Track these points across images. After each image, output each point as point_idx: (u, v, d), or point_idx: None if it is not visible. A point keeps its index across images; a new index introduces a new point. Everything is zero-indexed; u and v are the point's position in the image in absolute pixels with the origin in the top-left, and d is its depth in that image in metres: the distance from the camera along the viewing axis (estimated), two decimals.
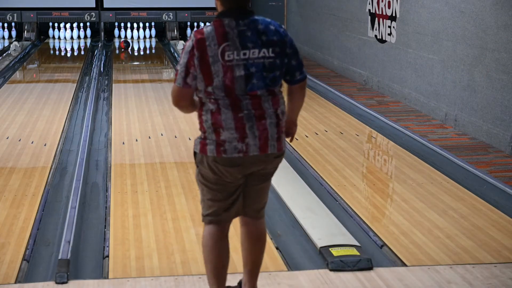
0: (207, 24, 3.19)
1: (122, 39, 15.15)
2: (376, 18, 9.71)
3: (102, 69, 11.71)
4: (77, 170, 5.73)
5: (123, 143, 6.71)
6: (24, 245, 4.27)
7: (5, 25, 15.42)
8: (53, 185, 5.49)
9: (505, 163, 6.21)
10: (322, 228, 4.54)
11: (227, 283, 3.43)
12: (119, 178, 5.61)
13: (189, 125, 7.22)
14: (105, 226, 4.64)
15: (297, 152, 6.35)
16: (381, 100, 9.09)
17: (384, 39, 9.48)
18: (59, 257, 4.01)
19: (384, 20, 9.42)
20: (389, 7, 9.25)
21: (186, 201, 5.07)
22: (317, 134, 7.12)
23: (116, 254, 4.15)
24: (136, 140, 6.82)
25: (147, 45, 15.14)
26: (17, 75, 11.39)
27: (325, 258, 4.05)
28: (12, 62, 12.21)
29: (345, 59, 11.05)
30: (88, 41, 15.37)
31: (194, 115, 3.40)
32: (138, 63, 13.21)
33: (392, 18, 9.15)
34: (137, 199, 5.14)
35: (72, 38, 15.50)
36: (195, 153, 3.26)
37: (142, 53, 14.40)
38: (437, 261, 4.09)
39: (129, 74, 11.39)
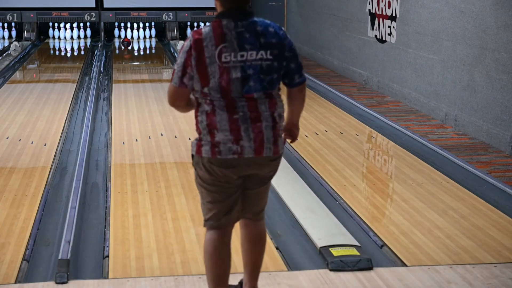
0: (206, 24, 3.18)
1: (124, 38, 15.20)
2: (376, 18, 9.71)
3: (102, 69, 11.71)
4: (77, 170, 5.73)
5: (123, 143, 6.71)
6: (24, 245, 4.27)
7: (5, 25, 15.42)
8: (53, 185, 5.49)
9: (505, 163, 6.21)
10: (322, 228, 4.54)
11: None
12: (119, 178, 5.61)
13: (189, 125, 7.22)
14: (105, 226, 4.64)
15: (297, 152, 6.35)
16: (381, 100, 9.09)
17: (384, 39, 9.48)
18: (59, 257, 4.01)
19: (384, 20, 9.42)
20: (389, 7, 9.25)
21: (186, 201, 5.07)
22: (317, 134, 7.12)
23: (116, 254, 4.15)
24: (136, 140, 6.82)
25: (147, 45, 15.14)
26: (17, 75, 11.39)
27: (325, 258, 4.05)
28: (12, 62, 12.21)
29: (345, 59, 11.05)
30: (88, 41, 15.37)
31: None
32: (138, 63, 13.22)
33: (392, 18, 9.15)
34: (137, 199, 5.14)
35: (72, 38, 15.51)
36: (192, 155, 3.25)
37: (142, 53, 14.40)
38: (437, 261, 4.09)
39: (129, 74, 11.39)
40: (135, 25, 15.66)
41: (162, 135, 7.00)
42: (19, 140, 6.80)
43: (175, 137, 6.93)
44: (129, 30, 15.66)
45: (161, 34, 15.71)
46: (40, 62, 13.02)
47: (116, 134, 7.02)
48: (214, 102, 3.13)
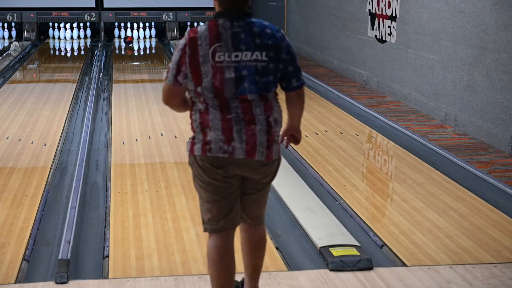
0: (203, 23, 3.15)
1: (125, 37, 15.24)
2: (376, 18, 9.71)
3: (102, 69, 11.71)
4: (77, 170, 5.73)
5: (123, 143, 6.71)
6: (24, 245, 4.27)
7: (5, 25, 15.42)
8: (53, 185, 5.49)
9: (505, 163, 6.21)
10: (322, 228, 4.54)
11: None
12: (119, 178, 5.61)
13: (189, 125, 7.19)
14: (105, 226, 4.64)
15: (297, 152, 6.35)
16: (381, 100, 9.09)
17: (384, 39, 9.48)
18: (59, 257, 4.01)
19: (384, 20, 9.42)
20: (389, 7, 9.25)
21: (186, 201, 5.07)
22: (317, 134, 7.12)
23: (116, 254, 4.15)
24: (136, 140, 6.82)
25: (147, 45, 15.14)
26: (17, 75, 11.39)
27: (325, 258, 4.05)
28: (12, 62, 12.21)
29: (345, 59, 11.05)
30: (88, 41, 15.37)
31: None
32: (138, 63, 13.22)
33: (392, 18, 9.15)
34: (137, 199, 5.14)
35: (72, 38, 15.51)
36: (188, 154, 3.23)
37: (142, 53, 14.40)
38: (437, 261, 4.09)
39: (129, 74, 11.39)
40: (135, 25, 15.66)
41: (162, 135, 7.00)
42: (19, 140, 6.80)
43: (175, 137, 6.93)
44: (129, 30, 15.66)
45: (161, 34, 15.71)
46: (40, 62, 13.02)
47: (116, 134, 7.02)
48: (207, 101, 3.10)
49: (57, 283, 3.76)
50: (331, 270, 3.94)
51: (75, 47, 14.83)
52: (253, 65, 3.08)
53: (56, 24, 15.57)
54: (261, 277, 3.63)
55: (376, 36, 9.75)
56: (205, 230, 3.27)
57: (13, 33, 15.48)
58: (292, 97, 3.24)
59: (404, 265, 4.06)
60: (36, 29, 15.39)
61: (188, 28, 17.07)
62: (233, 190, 3.20)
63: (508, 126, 6.50)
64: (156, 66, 12.81)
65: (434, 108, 7.98)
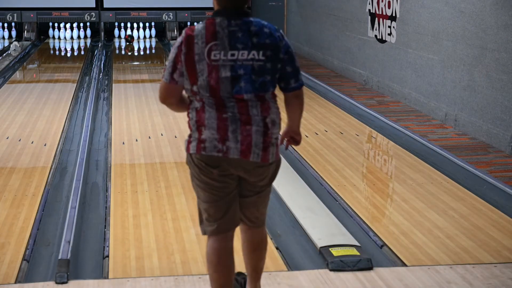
0: (200, 22, 3.13)
1: (128, 34, 15.27)
2: (376, 18, 9.71)
3: (102, 69, 11.71)
4: (77, 170, 5.73)
5: (123, 143, 6.71)
6: (24, 245, 4.27)
7: (5, 25, 15.42)
8: (53, 185, 5.49)
9: (505, 163, 6.21)
10: (322, 228, 4.54)
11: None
12: (119, 178, 5.61)
13: None
14: (105, 226, 4.64)
15: (297, 152, 6.35)
16: (381, 100, 9.09)
17: (384, 39, 9.48)
18: (59, 257, 4.01)
19: (384, 20, 9.42)
20: (389, 7, 9.25)
21: (186, 201, 5.07)
22: (317, 134, 7.12)
23: (116, 254, 4.15)
24: (136, 140, 6.82)
25: (147, 45, 15.14)
26: (17, 75, 11.39)
27: (325, 258, 4.05)
28: (12, 62, 12.21)
29: (345, 59, 11.05)
30: (88, 41, 15.37)
31: None
32: (138, 63, 13.22)
33: (392, 18, 9.15)
34: (137, 199, 5.14)
35: (72, 38, 15.51)
36: (186, 153, 3.22)
37: (142, 53, 14.40)
38: (437, 261, 4.09)
39: (129, 74, 11.40)
40: (135, 25, 15.66)
41: (162, 135, 7.01)
42: (19, 140, 6.80)
43: (175, 137, 6.93)
44: (129, 30, 15.66)
45: (161, 34, 15.71)
46: (40, 62, 13.01)
47: (116, 134, 7.02)
48: (204, 100, 3.08)
49: (57, 283, 3.76)
50: (331, 270, 3.94)
51: (75, 47, 14.83)
52: (249, 64, 3.04)
53: (56, 24, 15.57)
54: (261, 277, 3.63)
55: (376, 36, 9.75)
56: (204, 233, 3.25)
57: (13, 33, 15.47)
58: (291, 98, 3.19)
59: (404, 265, 4.06)
60: (36, 29, 15.40)
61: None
62: (230, 190, 3.17)
63: (508, 126, 6.50)
64: (156, 66, 12.81)
65: (434, 108, 7.98)
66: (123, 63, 12.70)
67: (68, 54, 14.12)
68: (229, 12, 3.07)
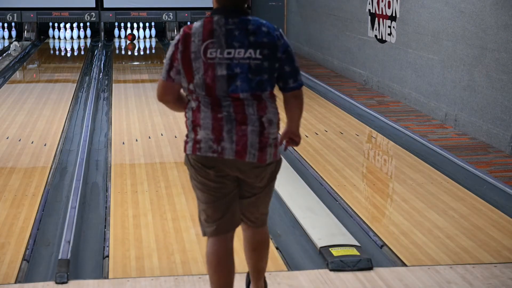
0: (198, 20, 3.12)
1: (129, 33, 15.27)
2: (376, 18, 9.71)
3: (102, 69, 11.72)
4: (77, 170, 5.73)
5: (123, 143, 6.71)
6: (24, 245, 4.27)
7: (5, 25, 15.42)
8: (53, 185, 5.49)
9: (505, 163, 6.21)
10: (322, 228, 4.54)
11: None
12: (119, 178, 5.61)
13: None
14: (105, 226, 4.64)
15: (297, 152, 6.35)
16: (381, 100, 9.09)
17: (384, 39, 9.48)
18: (59, 257, 4.01)
19: (384, 20, 9.42)
20: (389, 7, 9.25)
21: (186, 201, 5.07)
22: (317, 134, 7.12)
23: (116, 254, 4.15)
24: (136, 140, 6.82)
25: (147, 45, 15.14)
26: (17, 75, 11.39)
27: (325, 258, 4.05)
28: (12, 62, 12.21)
29: (345, 59, 11.05)
30: (88, 41, 15.38)
31: None
32: (138, 63, 13.22)
33: (392, 18, 9.15)
34: (137, 199, 5.14)
35: (72, 38, 15.51)
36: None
37: (142, 53, 14.41)
38: (437, 261, 4.09)
39: (129, 74, 11.40)
40: (135, 25, 15.67)
41: (162, 135, 7.01)
42: (19, 140, 6.80)
43: (175, 137, 6.93)
44: (129, 30, 15.66)
45: (161, 34, 15.71)
46: (40, 62, 13.01)
47: (116, 134, 7.02)
48: (200, 99, 3.06)
49: (57, 283, 3.76)
50: (331, 270, 3.94)
51: (75, 47, 14.83)
52: (246, 63, 3.01)
53: (56, 24, 15.57)
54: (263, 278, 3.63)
55: (376, 36, 9.75)
56: (204, 234, 3.23)
57: (13, 33, 15.48)
58: (289, 98, 3.15)
59: (404, 265, 4.06)
60: (36, 29, 15.40)
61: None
62: (229, 191, 3.13)
63: (508, 126, 6.50)
64: (156, 66, 12.80)
65: (434, 108, 7.98)
66: (123, 63, 12.70)
67: (68, 54, 14.12)
68: (228, 10, 3.05)
